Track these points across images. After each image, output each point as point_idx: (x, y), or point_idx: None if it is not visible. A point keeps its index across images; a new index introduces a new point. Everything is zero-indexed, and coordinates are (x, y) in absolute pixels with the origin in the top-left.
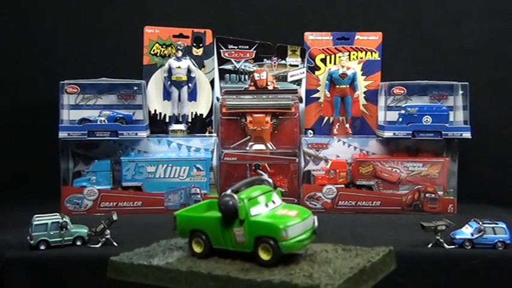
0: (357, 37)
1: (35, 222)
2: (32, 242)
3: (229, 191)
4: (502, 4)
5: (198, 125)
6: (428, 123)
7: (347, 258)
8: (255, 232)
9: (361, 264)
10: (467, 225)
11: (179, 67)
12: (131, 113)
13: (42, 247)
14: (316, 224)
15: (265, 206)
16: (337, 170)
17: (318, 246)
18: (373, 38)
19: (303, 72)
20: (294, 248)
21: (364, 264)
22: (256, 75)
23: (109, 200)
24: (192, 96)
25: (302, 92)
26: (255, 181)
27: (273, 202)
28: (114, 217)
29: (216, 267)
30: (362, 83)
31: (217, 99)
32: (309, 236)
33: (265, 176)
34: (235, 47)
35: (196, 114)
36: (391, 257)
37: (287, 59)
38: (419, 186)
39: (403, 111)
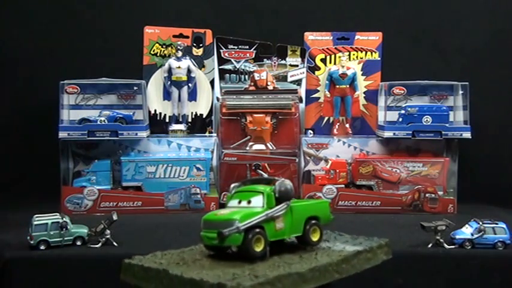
0: (357, 37)
1: (35, 222)
2: (32, 242)
3: (236, 183)
4: (502, 4)
5: (198, 125)
6: (428, 123)
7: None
8: None
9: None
10: (467, 225)
11: (179, 67)
12: (131, 113)
13: (42, 247)
14: (226, 230)
15: (238, 202)
16: (337, 170)
17: None
18: (373, 38)
19: (303, 72)
20: (203, 239)
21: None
22: (256, 75)
23: (109, 200)
24: (192, 96)
25: (302, 92)
26: (260, 180)
27: (248, 202)
28: (114, 217)
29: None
30: (362, 83)
31: (217, 99)
32: (215, 237)
33: (286, 181)
34: (235, 47)
35: (196, 114)
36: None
37: (287, 59)
38: (419, 186)
39: (403, 111)
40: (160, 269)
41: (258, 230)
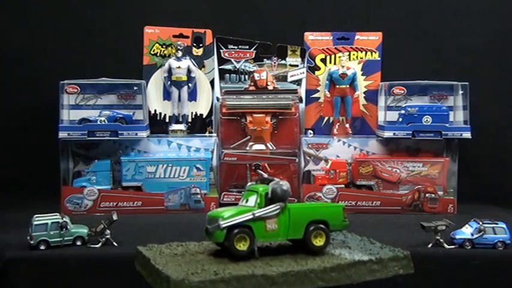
0: (357, 37)
1: (35, 222)
2: (32, 242)
3: (253, 182)
4: (502, 4)
5: (198, 125)
6: (428, 123)
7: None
8: None
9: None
10: (467, 225)
11: (179, 67)
12: (131, 113)
13: (42, 247)
14: (210, 227)
15: (241, 200)
16: (337, 170)
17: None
18: (373, 38)
19: (303, 72)
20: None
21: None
22: (256, 75)
23: (109, 200)
24: (192, 96)
25: (302, 92)
26: (267, 180)
27: (246, 201)
28: (114, 217)
29: None
30: (362, 83)
31: (217, 99)
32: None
33: (282, 183)
34: (235, 47)
35: (196, 114)
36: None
37: (287, 59)
38: (419, 186)
39: (403, 111)
40: (147, 258)
41: (243, 229)
